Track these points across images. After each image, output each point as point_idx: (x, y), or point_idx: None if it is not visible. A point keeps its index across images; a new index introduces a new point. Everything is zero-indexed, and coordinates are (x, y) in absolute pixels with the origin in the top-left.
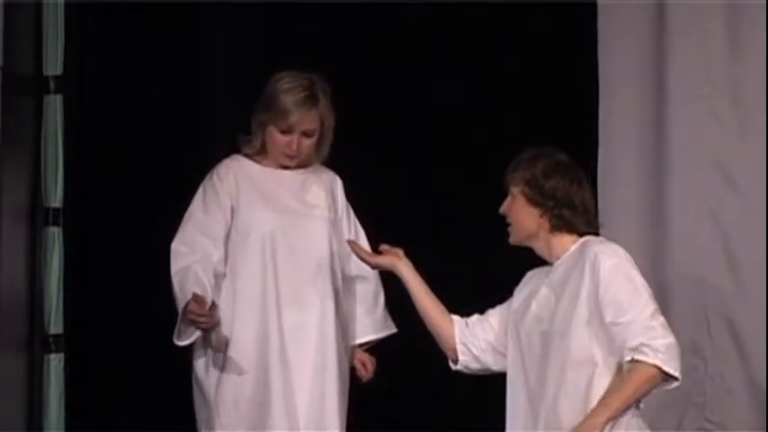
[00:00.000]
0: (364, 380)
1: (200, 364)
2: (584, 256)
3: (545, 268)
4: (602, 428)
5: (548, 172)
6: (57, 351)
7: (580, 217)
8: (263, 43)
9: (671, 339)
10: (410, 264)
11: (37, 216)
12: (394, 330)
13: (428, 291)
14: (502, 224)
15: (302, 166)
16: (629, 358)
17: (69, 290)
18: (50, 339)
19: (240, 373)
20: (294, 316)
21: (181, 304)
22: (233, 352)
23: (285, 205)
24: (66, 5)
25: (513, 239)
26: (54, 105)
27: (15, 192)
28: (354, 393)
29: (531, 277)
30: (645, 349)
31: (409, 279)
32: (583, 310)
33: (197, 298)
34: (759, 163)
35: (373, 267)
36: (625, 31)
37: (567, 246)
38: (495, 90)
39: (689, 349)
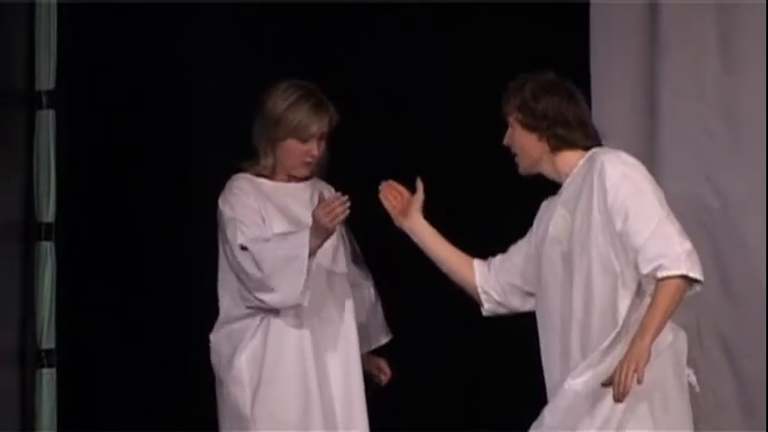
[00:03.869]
0: (383, 383)
1: (231, 378)
2: (593, 167)
3: (558, 193)
4: (650, 348)
5: (536, 94)
6: (49, 366)
7: (577, 132)
8: (260, 56)
9: (688, 244)
10: (422, 221)
11: (29, 231)
12: (391, 336)
13: (443, 242)
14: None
15: (306, 177)
16: (647, 270)
17: (62, 305)
18: (42, 354)
19: (278, 385)
20: (322, 323)
21: (303, 240)
22: (269, 364)
23: (301, 220)
24: (59, 21)
25: (521, 170)
26: (46, 120)
27: (7, 207)
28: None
29: (548, 205)
30: (666, 262)
31: (423, 237)
32: (597, 221)
33: (321, 197)
34: (751, 178)
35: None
36: (617, 48)
37: (574, 162)
38: (488, 91)
39: None
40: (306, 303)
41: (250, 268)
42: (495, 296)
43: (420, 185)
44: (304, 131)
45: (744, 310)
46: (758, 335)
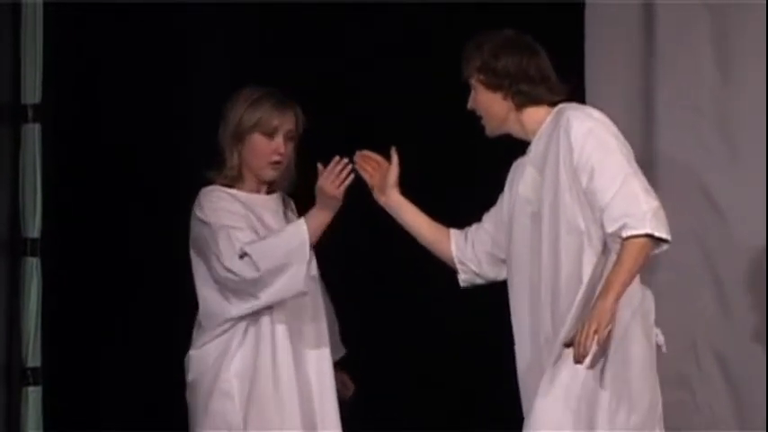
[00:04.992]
0: (346, 398)
1: (218, 390)
2: (559, 123)
3: (526, 152)
4: (613, 308)
5: (495, 52)
6: (35, 384)
7: (540, 86)
8: (255, 67)
9: (654, 202)
10: (399, 196)
11: (15, 246)
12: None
13: (420, 215)
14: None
15: (273, 190)
16: (612, 230)
17: (48, 322)
18: (28, 372)
19: (271, 394)
20: (300, 329)
21: (301, 227)
22: (262, 375)
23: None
24: (45, 34)
25: (488, 132)
26: (32, 134)
27: None
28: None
29: (517, 165)
30: (631, 221)
31: (400, 212)
32: (563, 178)
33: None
34: (746, 190)
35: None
36: (612, 59)
37: (541, 118)
38: None
39: (676, 381)
40: (308, 290)
41: (249, 273)
42: (472, 267)
43: (395, 156)
44: (267, 124)
45: (740, 326)
46: (755, 351)
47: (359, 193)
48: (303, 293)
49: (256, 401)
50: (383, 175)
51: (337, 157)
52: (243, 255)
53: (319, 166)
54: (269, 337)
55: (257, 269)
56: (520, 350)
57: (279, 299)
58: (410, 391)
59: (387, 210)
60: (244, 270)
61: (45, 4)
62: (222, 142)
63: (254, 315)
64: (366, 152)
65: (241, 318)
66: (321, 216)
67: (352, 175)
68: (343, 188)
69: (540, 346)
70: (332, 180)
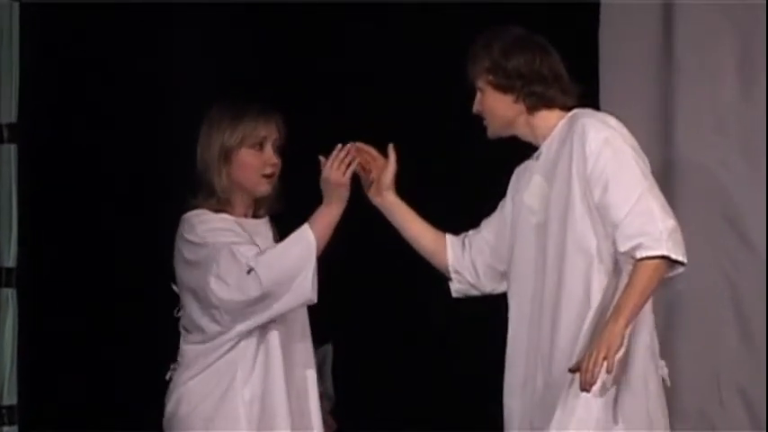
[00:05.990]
0: None
1: (222, 419)
2: (573, 130)
3: (533, 157)
4: (623, 333)
5: (506, 51)
6: (10, 424)
7: (553, 87)
8: (243, 75)
9: (671, 222)
10: (394, 197)
11: None
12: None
13: (416, 219)
14: None
15: (258, 215)
16: (626, 249)
17: (24, 357)
18: (3, 411)
19: (278, 417)
20: (289, 346)
21: (305, 234)
22: (274, 399)
23: None
24: (21, 52)
25: (490, 133)
26: (8, 155)
27: None
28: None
29: (523, 171)
30: (646, 240)
31: (395, 214)
32: (576, 189)
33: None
34: None
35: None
36: (628, 63)
37: (553, 122)
38: None
39: (699, 419)
40: (315, 298)
41: (254, 290)
42: (468, 277)
43: (393, 153)
44: (254, 137)
45: (766, 363)
46: None
47: (355, 190)
48: (311, 301)
49: (265, 426)
50: (379, 173)
51: (339, 145)
52: (250, 270)
53: (321, 159)
54: (279, 361)
55: (261, 284)
56: (511, 369)
57: (287, 309)
58: (409, 392)
59: (381, 211)
60: (250, 287)
61: (21, 18)
62: (205, 166)
63: (261, 334)
64: (360, 144)
65: (246, 335)
66: (330, 211)
67: (357, 160)
68: (349, 174)
69: (535, 372)
70: (336, 167)
